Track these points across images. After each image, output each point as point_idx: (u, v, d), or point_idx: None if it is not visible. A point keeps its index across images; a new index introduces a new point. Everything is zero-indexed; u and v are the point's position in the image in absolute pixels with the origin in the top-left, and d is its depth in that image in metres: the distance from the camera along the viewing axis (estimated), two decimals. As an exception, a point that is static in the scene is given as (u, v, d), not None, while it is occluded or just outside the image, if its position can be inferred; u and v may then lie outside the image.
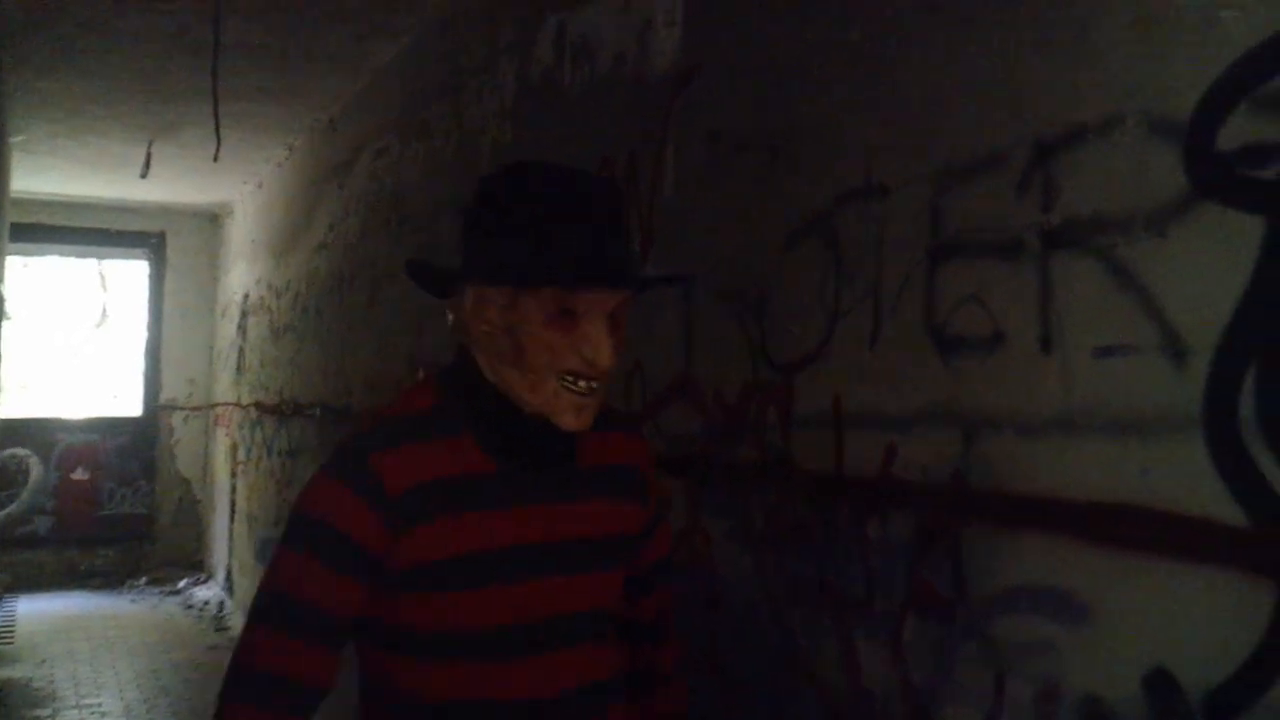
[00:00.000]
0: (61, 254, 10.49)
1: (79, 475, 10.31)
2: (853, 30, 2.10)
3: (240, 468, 8.65)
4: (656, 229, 2.79)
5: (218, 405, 10.08)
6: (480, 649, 1.51)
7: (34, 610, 8.84)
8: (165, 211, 10.21)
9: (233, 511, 8.85)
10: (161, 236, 10.56)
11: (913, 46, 1.95)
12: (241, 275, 9.20)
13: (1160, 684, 1.44)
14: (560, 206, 1.47)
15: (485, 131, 4.03)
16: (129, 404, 10.74)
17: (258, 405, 8.11)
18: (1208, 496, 1.39)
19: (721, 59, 2.57)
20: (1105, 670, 1.52)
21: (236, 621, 8.25)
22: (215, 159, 6.04)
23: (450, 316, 1.57)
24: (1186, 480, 1.42)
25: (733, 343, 2.43)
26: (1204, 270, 1.42)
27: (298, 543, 1.50)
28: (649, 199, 2.82)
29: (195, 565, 10.35)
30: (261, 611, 1.49)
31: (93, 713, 6.17)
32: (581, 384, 1.47)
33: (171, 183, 8.58)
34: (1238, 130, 1.39)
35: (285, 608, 1.47)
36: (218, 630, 8.15)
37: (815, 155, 2.19)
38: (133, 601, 9.45)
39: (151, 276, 10.70)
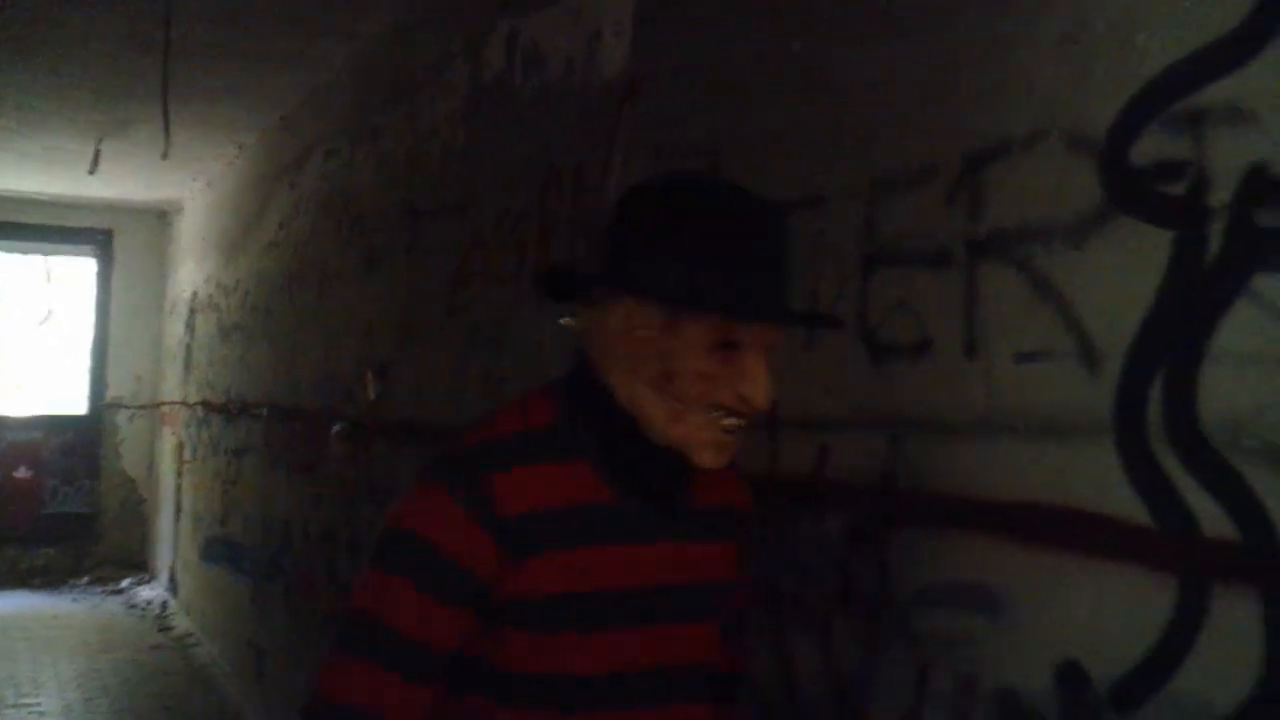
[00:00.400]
0: (7, 250, 10.36)
1: (21, 474, 10.17)
2: (793, 44, 2.16)
3: (186, 467, 8.59)
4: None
5: (164, 404, 9.99)
6: (586, 700, 1.37)
7: (-27, 609, 8.74)
8: (113, 209, 10.12)
9: (178, 511, 8.78)
10: (109, 234, 10.46)
11: (850, 62, 2.01)
12: (190, 273, 9.14)
13: (1071, 676, 1.50)
14: (741, 229, 1.34)
15: (437, 135, 4.06)
16: (74, 402, 10.62)
17: (205, 404, 8.07)
18: (1118, 497, 1.46)
19: (668, 69, 2.62)
20: (1020, 663, 1.58)
21: (180, 621, 8.20)
22: (164, 156, 6.02)
23: (574, 324, 1.43)
24: (1098, 481, 1.49)
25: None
26: (1117, 281, 1.49)
27: (397, 563, 1.34)
28: (596, 206, 2.86)
29: (139, 565, 10.25)
30: (352, 639, 1.35)
31: (31, 712, 6.11)
32: (729, 421, 1.35)
33: (120, 180, 8.51)
34: (1151, 147, 1.46)
35: (380, 637, 1.32)
36: (160, 630, 8.09)
37: (755, 165, 2.25)
38: (74, 601, 9.35)
39: (99, 274, 10.60)
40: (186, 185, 8.83)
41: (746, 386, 1.33)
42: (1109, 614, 1.47)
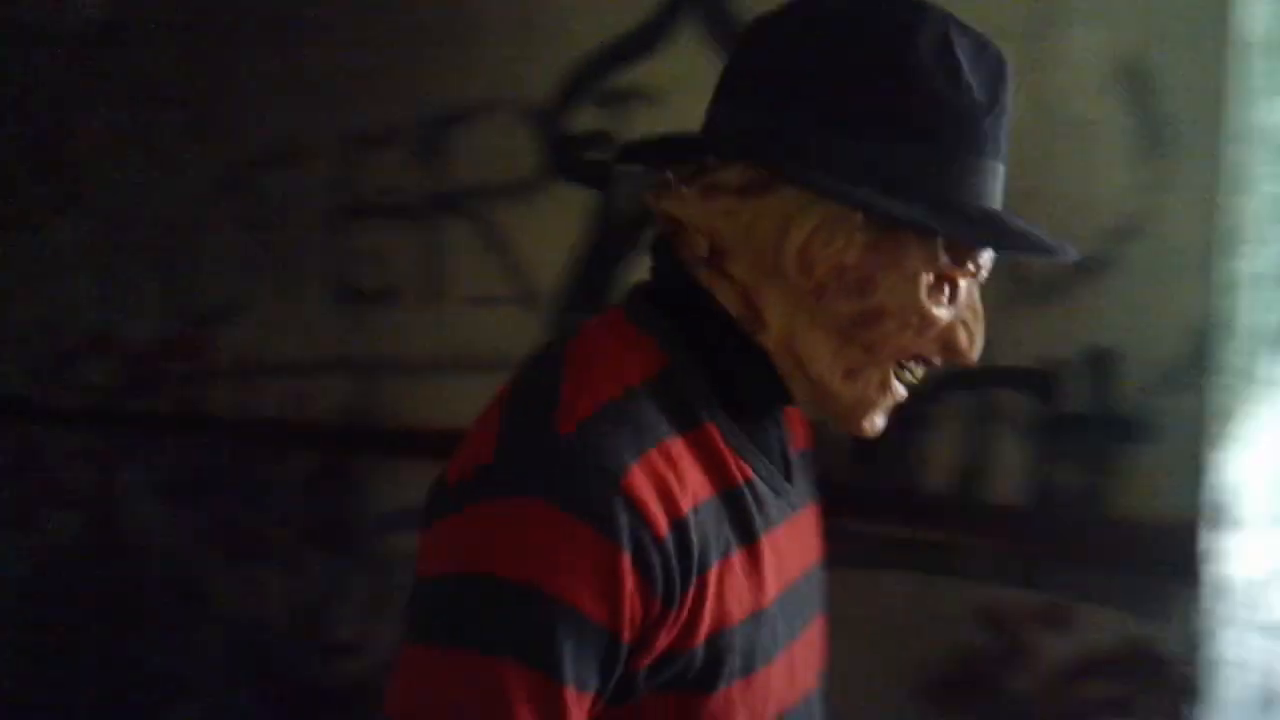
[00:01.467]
0: None
1: None
2: (265, 6, 2.22)
3: None
4: (82, 186, 2.74)
5: None
6: None
7: None
8: None
9: None
10: None
11: (323, 26, 2.11)
12: None
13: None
14: (993, 86, 0.86)
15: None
16: None
17: None
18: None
19: (149, 15, 2.58)
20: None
21: None
22: None
23: (670, 208, 0.90)
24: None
25: (154, 297, 2.46)
26: (553, 234, 1.72)
27: (493, 638, 0.78)
28: (76, 154, 2.76)
29: None
30: None
31: None
32: (917, 374, 0.93)
33: None
34: (581, 119, 1.70)
35: None
36: None
37: (237, 119, 2.28)
38: None
39: None
40: None
41: (961, 334, 0.91)
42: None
